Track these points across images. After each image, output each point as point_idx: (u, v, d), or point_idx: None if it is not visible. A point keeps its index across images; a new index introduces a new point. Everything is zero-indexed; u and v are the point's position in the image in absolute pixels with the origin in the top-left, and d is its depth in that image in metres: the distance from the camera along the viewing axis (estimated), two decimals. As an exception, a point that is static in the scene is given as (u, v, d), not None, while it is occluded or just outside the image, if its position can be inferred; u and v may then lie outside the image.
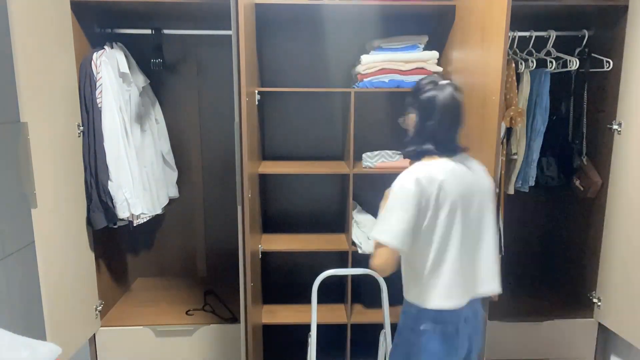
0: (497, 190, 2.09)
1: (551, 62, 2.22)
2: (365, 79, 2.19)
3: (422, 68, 2.19)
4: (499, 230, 2.21)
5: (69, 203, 1.97)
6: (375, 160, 2.29)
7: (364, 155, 2.33)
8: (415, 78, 2.19)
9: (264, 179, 2.53)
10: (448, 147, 1.47)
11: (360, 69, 2.20)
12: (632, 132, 2.06)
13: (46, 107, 1.80)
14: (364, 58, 2.18)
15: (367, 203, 2.67)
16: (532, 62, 2.21)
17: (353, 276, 2.25)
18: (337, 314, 2.36)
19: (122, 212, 2.12)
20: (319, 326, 1.89)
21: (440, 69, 2.20)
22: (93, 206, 2.09)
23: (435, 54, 2.20)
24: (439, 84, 1.45)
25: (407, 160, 1.54)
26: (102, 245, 2.29)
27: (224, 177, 2.65)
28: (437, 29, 2.28)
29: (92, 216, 2.09)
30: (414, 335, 1.49)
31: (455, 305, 1.46)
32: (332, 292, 2.45)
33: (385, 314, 1.89)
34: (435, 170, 1.42)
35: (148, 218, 2.29)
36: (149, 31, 2.32)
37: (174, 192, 2.58)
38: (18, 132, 1.66)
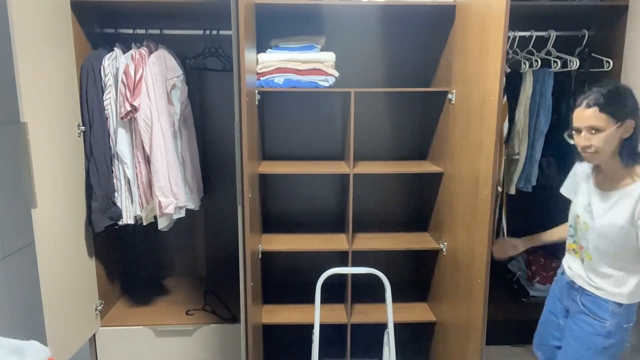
0: (500, 190, 2.09)
1: (555, 62, 2.21)
2: (261, 78, 2.15)
3: (319, 69, 2.15)
4: (503, 229, 2.21)
5: (69, 203, 1.97)
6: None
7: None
8: (312, 78, 2.15)
9: (264, 179, 2.53)
10: None
11: (257, 67, 2.15)
12: (632, 132, 2.05)
13: (46, 107, 1.80)
14: (260, 57, 2.14)
15: (367, 203, 2.68)
16: (537, 61, 2.20)
17: (353, 276, 2.25)
18: (337, 313, 2.35)
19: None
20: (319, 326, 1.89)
21: (337, 73, 2.16)
22: (99, 207, 2.09)
23: (332, 55, 2.16)
24: None
25: None
26: (102, 245, 2.29)
27: (224, 176, 2.65)
28: (437, 29, 2.28)
29: (93, 218, 2.09)
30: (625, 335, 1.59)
31: None
32: (332, 291, 2.45)
33: (389, 313, 1.88)
34: None
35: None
36: (149, 31, 2.32)
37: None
38: (18, 132, 1.66)
